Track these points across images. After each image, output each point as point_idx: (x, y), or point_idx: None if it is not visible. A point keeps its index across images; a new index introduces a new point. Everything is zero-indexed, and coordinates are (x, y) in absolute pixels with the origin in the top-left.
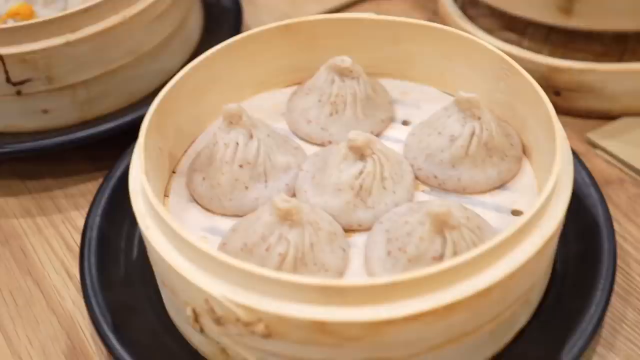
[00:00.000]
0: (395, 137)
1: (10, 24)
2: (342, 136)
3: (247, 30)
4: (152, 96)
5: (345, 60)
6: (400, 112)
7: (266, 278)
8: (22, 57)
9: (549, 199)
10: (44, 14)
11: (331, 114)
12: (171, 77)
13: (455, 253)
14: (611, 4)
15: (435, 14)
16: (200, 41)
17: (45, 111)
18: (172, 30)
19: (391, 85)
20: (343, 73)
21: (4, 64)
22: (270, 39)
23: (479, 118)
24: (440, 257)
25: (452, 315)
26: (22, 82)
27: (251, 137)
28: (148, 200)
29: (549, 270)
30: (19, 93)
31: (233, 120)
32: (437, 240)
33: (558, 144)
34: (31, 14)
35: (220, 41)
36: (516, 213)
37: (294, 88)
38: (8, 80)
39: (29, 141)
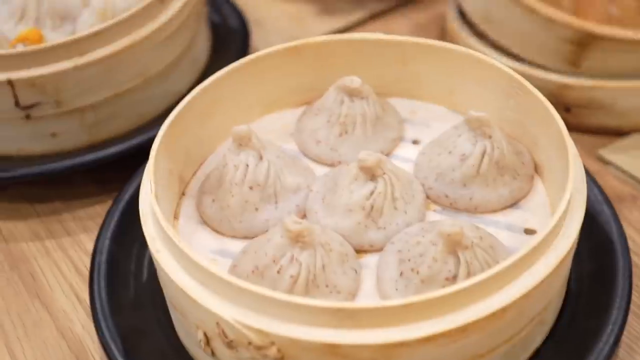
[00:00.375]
0: (405, 157)
1: (20, 48)
2: (351, 156)
3: (254, 51)
4: (160, 118)
5: (354, 81)
6: (410, 132)
7: (278, 301)
8: (31, 82)
9: (562, 217)
10: (53, 37)
11: (340, 135)
12: (179, 99)
13: (468, 273)
14: (617, 65)
15: (443, 33)
16: (208, 63)
17: (53, 135)
18: (180, 52)
19: (400, 105)
20: (352, 93)
21: (13, 88)
22: (279, 60)
23: (490, 137)
24: (453, 278)
25: (466, 337)
26: (31, 106)
27: (261, 158)
28: (158, 223)
29: (564, 290)
30: (27, 117)
31: (242, 142)
32: (450, 261)
33: (571, 162)
34: (40, 39)
35: (228, 62)
36: (529, 232)
37: (303, 108)
38: (17, 104)
39: (38, 165)
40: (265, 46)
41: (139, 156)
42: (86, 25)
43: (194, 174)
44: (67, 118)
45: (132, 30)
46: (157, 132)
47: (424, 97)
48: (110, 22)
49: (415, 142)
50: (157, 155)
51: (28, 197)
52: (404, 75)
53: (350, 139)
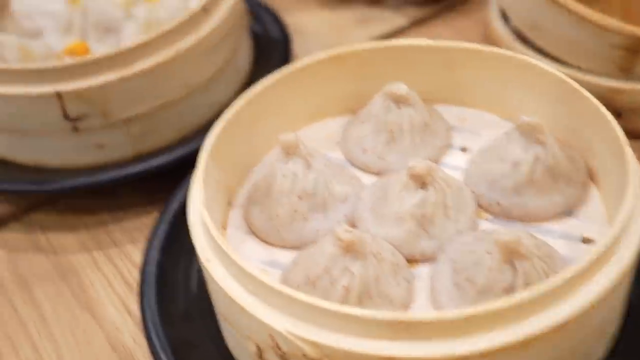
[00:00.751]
0: (454, 164)
1: (67, 61)
2: (399, 164)
3: (295, 60)
4: (204, 129)
5: (401, 88)
6: (458, 139)
7: (333, 312)
8: (78, 94)
9: (623, 226)
10: (98, 48)
11: (388, 142)
12: (223, 109)
13: (526, 284)
14: None
15: (486, 39)
16: (250, 72)
17: (99, 146)
18: (223, 62)
19: (448, 112)
20: (399, 100)
21: (61, 100)
22: (323, 68)
23: (543, 143)
24: (510, 289)
25: (526, 351)
26: (78, 118)
27: (309, 167)
28: (208, 232)
29: (626, 301)
30: (75, 129)
31: (290, 150)
32: (507, 271)
33: (630, 169)
34: (86, 51)
35: (270, 72)
36: (586, 241)
37: (348, 116)
38: (65, 116)
39: (84, 177)
40: (306, 54)
41: (183, 167)
42: (130, 36)
43: (241, 183)
44: (113, 129)
45: (177, 41)
46: (201, 143)
47: (472, 103)
48: (155, 33)
49: (463, 149)
50: (205, 164)
51: (75, 209)
52: (451, 82)
53: (397, 147)
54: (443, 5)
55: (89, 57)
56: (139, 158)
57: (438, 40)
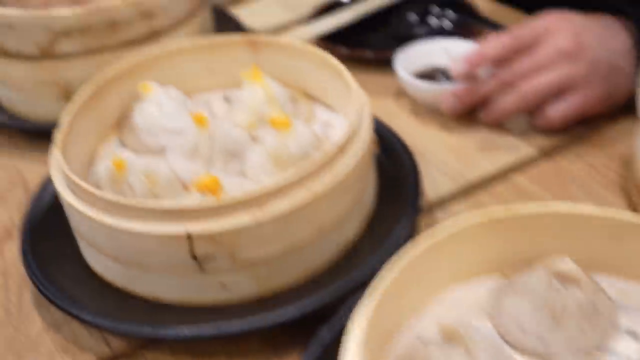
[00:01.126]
0: (624, 354)
1: (198, 199)
2: (561, 349)
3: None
4: (330, 269)
5: (569, 266)
6: (624, 319)
7: None
8: (209, 236)
9: None
10: (223, 177)
11: (551, 324)
12: (348, 247)
13: None
14: None
15: (627, 179)
16: (376, 204)
17: (223, 285)
18: (354, 201)
19: (608, 284)
20: (565, 280)
21: (190, 241)
22: (476, 231)
23: None
24: None
25: None
26: (205, 259)
27: (469, 355)
28: None
29: None
30: (200, 269)
31: (451, 338)
32: None
33: None
34: (217, 186)
35: (397, 207)
36: None
37: (496, 277)
38: (192, 256)
39: (204, 322)
40: (428, 181)
41: (311, 317)
42: (257, 166)
43: (382, 349)
44: (239, 270)
45: (312, 181)
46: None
47: (635, 275)
48: (291, 175)
49: (633, 334)
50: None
51: (191, 351)
52: (614, 252)
53: (561, 330)
54: (572, 136)
55: (222, 200)
56: (262, 300)
57: (605, 208)
